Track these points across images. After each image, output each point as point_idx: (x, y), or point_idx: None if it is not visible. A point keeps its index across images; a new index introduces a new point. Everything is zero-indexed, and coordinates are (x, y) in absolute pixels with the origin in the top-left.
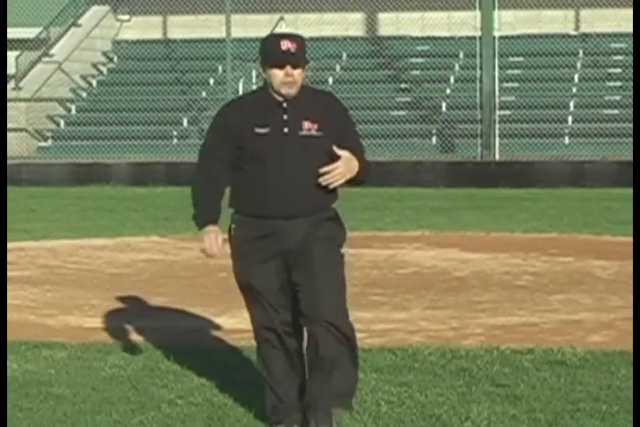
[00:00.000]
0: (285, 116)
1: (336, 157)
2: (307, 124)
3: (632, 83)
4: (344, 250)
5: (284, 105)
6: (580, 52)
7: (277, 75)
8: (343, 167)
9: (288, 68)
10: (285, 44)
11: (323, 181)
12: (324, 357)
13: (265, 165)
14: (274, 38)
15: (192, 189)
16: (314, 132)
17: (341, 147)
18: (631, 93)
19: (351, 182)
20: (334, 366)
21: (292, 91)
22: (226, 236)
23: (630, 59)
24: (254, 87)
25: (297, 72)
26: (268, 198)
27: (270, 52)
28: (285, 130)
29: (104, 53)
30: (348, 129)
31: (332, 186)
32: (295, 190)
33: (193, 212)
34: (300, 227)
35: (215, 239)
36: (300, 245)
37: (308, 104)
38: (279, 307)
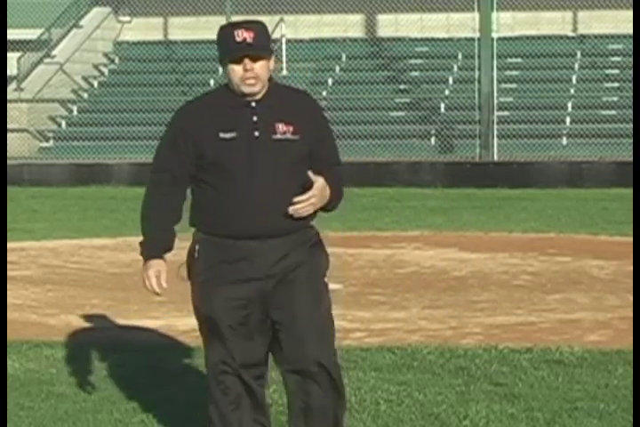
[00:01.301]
0: (255, 118)
1: (309, 184)
2: (281, 127)
3: (631, 84)
4: (327, 278)
5: (253, 104)
6: (578, 54)
7: (236, 71)
8: (317, 197)
9: (246, 61)
10: (240, 34)
11: (292, 211)
12: (315, 406)
13: (232, 176)
14: (227, 29)
15: (141, 209)
16: (289, 136)
17: (317, 153)
18: (629, 94)
19: (319, 210)
20: (325, 415)
21: (254, 88)
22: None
23: (628, 60)
24: None
25: (258, 65)
26: (238, 215)
27: (224, 45)
28: (256, 133)
29: (105, 55)
30: (325, 133)
31: (297, 216)
32: (269, 205)
33: (140, 237)
34: (277, 250)
35: (156, 277)
36: (278, 275)
37: (280, 104)
38: (246, 346)
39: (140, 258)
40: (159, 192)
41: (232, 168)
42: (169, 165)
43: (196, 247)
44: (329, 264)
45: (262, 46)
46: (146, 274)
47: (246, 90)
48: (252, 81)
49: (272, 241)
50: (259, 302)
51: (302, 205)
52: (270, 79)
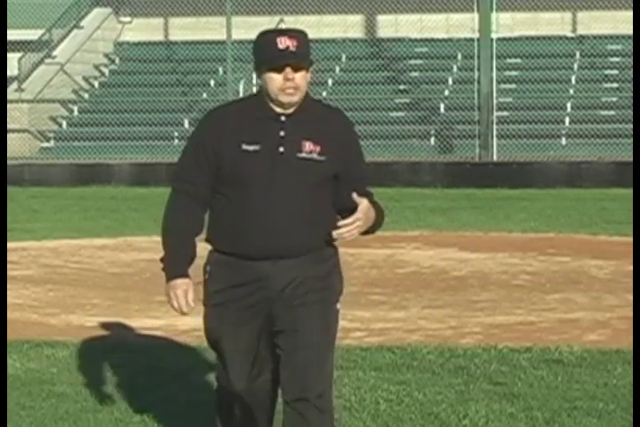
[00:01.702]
0: (282, 133)
1: (350, 204)
2: (308, 145)
3: (630, 84)
4: (339, 305)
5: (282, 119)
6: (577, 54)
7: (275, 79)
8: (363, 220)
9: (288, 70)
10: (283, 42)
11: (336, 235)
12: None
13: (249, 191)
14: (269, 35)
15: (163, 221)
16: (315, 156)
17: (346, 175)
18: (628, 95)
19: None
20: None
21: (293, 98)
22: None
23: (627, 60)
24: (254, 89)
25: (299, 75)
26: (252, 233)
27: (265, 51)
28: (280, 149)
29: (106, 55)
30: (357, 158)
31: (341, 240)
32: (285, 225)
33: (162, 254)
34: (289, 273)
35: (184, 296)
36: (288, 299)
37: (311, 121)
38: (255, 373)
39: (141, 258)
40: (180, 204)
41: (250, 182)
42: (189, 175)
43: (207, 268)
44: (343, 288)
45: (304, 56)
46: (172, 293)
47: (285, 99)
48: (291, 91)
49: (285, 262)
50: (267, 327)
51: (348, 228)
52: (306, 93)
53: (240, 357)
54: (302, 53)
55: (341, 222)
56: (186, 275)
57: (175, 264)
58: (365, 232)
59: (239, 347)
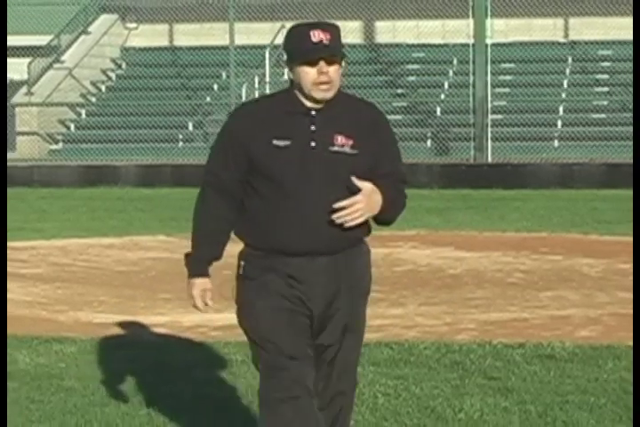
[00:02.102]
0: (313, 127)
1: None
2: (340, 139)
3: (620, 88)
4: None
5: (313, 113)
6: (569, 59)
7: (309, 73)
8: (364, 202)
9: (322, 64)
10: (317, 35)
11: (336, 218)
12: None
13: (282, 186)
14: (302, 28)
15: (193, 216)
16: (347, 149)
17: (378, 170)
18: (618, 98)
19: (374, 221)
20: None
21: (328, 93)
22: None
23: (617, 65)
24: (257, 93)
25: (333, 69)
26: (286, 229)
27: (298, 45)
28: (312, 144)
29: (113, 60)
30: (390, 151)
31: (347, 225)
32: (319, 220)
33: (190, 249)
34: (326, 272)
35: (200, 296)
36: (326, 300)
37: (342, 114)
38: (310, 365)
39: (147, 256)
40: (208, 200)
41: (282, 178)
42: (218, 171)
43: (242, 263)
44: (370, 288)
45: (338, 49)
46: (190, 293)
47: (319, 95)
48: (325, 86)
49: (321, 259)
50: (308, 319)
51: (347, 211)
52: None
53: (292, 330)
54: (336, 46)
55: (339, 204)
56: (205, 274)
57: (196, 263)
58: (375, 219)
59: (291, 322)
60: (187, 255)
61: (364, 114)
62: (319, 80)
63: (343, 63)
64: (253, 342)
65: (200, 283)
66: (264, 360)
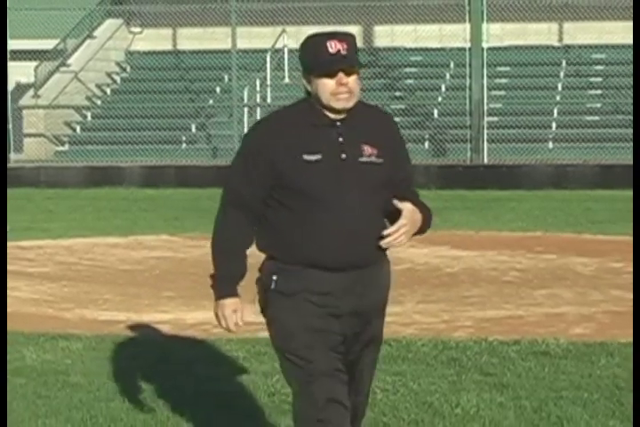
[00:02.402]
0: (341, 139)
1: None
2: (367, 149)
3: (614, 91)
4: None
5: (338, 124)
6: (563, 63)
7: (327, 85)
8: (408, 225)
9: (341, 75)
10: (334, 46)
11: (385, 244)
12: None
13: (318, 202)
14: (318, 39)
15: (213, 240)
16: (374, 159)
17: (395, 177)
18: (611, 101)
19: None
20: None
21: (347, 104)
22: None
23: (611, 68)
24: (258, 95)
25: (352, 79)
26: (326, 244)
27: (315, 56)
28: (343, 156)
29: (117, 63)
30: (403, 154)
31: (390, 247)
32: (359, 233)
33: (212, 271)
34: (361, 285)
35: (232, 316)
36: (359, 314)
37: (363, 123)
38: (343, 381)
39: (151, 256)
40: (230, 219)
41: (318, 193)
42: (242, 190)
43: (274, 278)
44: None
45: (355, 59)
46: (221, 313)
47: (339, 105)
48: (345, 95)
49: (356, 273)
50: (340, 336)
51: (395, 236)
52: None
53: (326, 348)
54: (353, 57)
55: (386, 231)
56: (235, 294)
57: (225, 283)
58: (415, 233)
59: (324, 340)
60: (212, 276)
61: (378, 120)
62: (338, 91)
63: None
64: (286, 360)
65: (230, 303)
66: (298, 379)
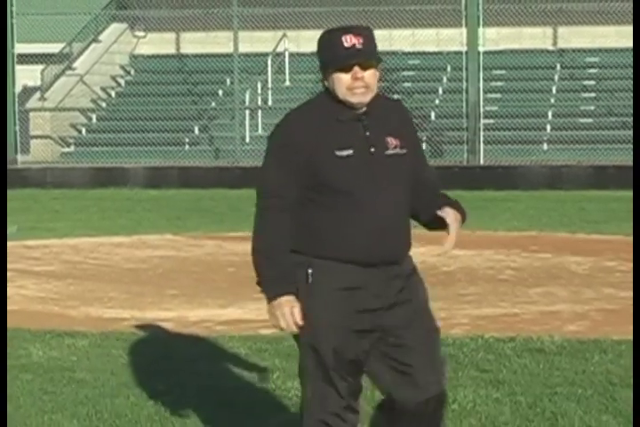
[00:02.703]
0: (368, 133)
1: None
2: (391, 141)
3: (608, 94)
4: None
5: (363, 118)
6: (558, 66)
7: (343, 79)
8: (458, 229)
9: (356, 69)
10: (349, 40)
11: (443, 253)
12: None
13: (352, 197)
14: (333, 34)
15: (255, 244)
16: (399, 150)
17: (417, 169)
18: (604, 103)
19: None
20: None
21: (363, 98)
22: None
23: (604, 71)
24: (260, 98)
25: (368, 73)
26: (362, 239)
27: (330, 51)
28: (372, 149)
29: (122, 67)
30: (419, 143)
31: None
32: (393, 227)
33: (258, 275)
34: (393, 279)
35: (290, 314)
36: (393, 305)
37: (384, 116)
38: (356, 387)
39: (154, 255)
40: (271, 221)
41: (351, 189)
42: (279, 189)
43: (309, 271)
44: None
45: (372, 53)
46: (279, 313)
47: (355, 100)
48: (361, 90)
49: (388, 268)
50: (370, 334)
51: (453, 242)
52: None
53: (358, 364)
54: (369, 50)
55: (448, 244)
56: (290, 292)
57: (276, 283)
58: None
59: (342, 355)
60: (259, 283)
61: (399, 112)
62: (353, 85)
63: (378, 66)
64: (306, 354)
65: (286, 301)
66: (310, 377)
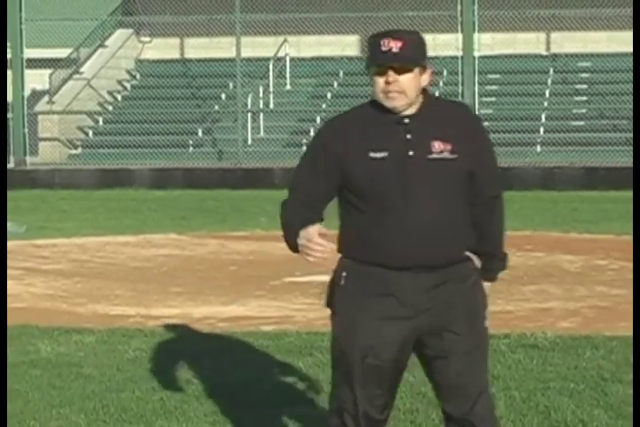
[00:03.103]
0: (409, 136)
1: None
2: (437, 145)
3: (599, 97)
4: (487, 322)
5: (406, 121)
6: (551, 71)
7: (378, 82)
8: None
9: (390, 73)
10: (387, 43)
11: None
12: None
13: (384, 199)
14: (375, 38)
15: (282, 223)
16: (446, 155)
17: (475, 181)
18: (596, 106)
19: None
20: None
21: (395, 103)
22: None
23: (596, 76)
24: (261, 102)
25: (404, 78)
26: (391, 243)
27: (370, 54)
28: (410, 153)
29: (128, 71)
30: (484, 155)
31: None
32: (426, 232)
33: (287, 241)
34: (429, 285)
35: (318, 238)
36: (433, 323)
37: (436, 119)
38: (379, 393)
39: (159, 253)
40: (293, 214)
41: (383, 191)
42: (306, 186)
43: (343, 274)
44: (487, 305)
45: (409, 57)
46: (308, 239)
47: (388, 104)
48: (393, 95)
49: (426, 274)
50: (402, 341)
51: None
52: (425, 92)
53: (364, 373)
54: (407, 54)
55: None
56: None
57: (294, 238)
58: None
59: (368, 361)
60: (289, 245)
61: (459, 117)
62: (386, 89)
63: (428, 70)
64: (335, 356)
65: (312, 228)
66: (337, 369)
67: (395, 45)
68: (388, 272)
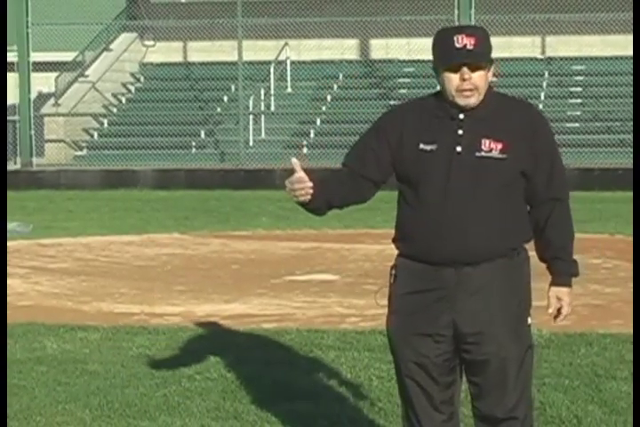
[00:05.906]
0: (460, 131)
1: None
2: (487, 143)
3: (594, 100)
4: (530, 319)
5: (461, 117)
6: (546, 74)
7: (452, 79)
8: (569, 307)
9: (464, 70)
10: (461, 40)
11: (557, 320)
12: None
13: (426, 192)
14: (446, 33)
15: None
16: (495, 154)
17: (531, 180)
18: (590, 109)
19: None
20: None
21: (470, 101)
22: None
23: (590, 79)
24: (263, 104)
25: (477, 75)
26: (430, 237)
27: (442, 50)
28: (458, 148)
29: (132, 74)
30: (544, 157)
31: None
32: (464, 228)
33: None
34: (472, 281)
35: (291, 187)
36: (473, 310)
37: (492, 117)
38: (441, 388)
39: (163, 252)
40: (342, 175)
41: (427, 184)
42: (353, 160)
43: (393, 272)
44: (531, 300)
45: (483, 54)
46: (289, 183)
47: (461, 102)
48: (468, 93)
49: (469, 270)
50: (448, 339)
51: (564, 314)
52: (489, 89)
53: (426, 380)
54: (480, 52)
55: (560, 318)
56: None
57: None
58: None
59: (408, 356)
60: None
61: (518, 115)
62: (462, 87)
63: (493, 67)
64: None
65: (296, 174)
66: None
67: (469, 42)
68: (430, 267)
